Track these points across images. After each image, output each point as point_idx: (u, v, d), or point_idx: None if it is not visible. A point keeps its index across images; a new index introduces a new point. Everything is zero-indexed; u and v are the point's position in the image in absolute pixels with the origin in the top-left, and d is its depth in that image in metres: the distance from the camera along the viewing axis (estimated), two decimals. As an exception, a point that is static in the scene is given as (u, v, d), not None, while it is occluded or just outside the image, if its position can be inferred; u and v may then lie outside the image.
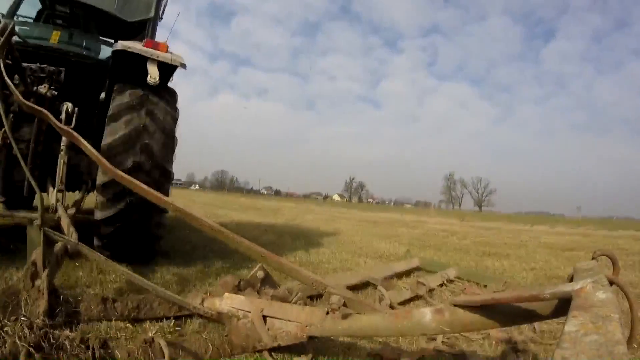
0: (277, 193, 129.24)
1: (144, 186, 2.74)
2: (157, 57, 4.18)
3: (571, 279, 1.58)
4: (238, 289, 2.82)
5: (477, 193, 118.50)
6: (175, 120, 4.48)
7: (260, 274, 2.94)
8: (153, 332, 2.49)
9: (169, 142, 4.35)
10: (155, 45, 4.26)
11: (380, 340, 2.75)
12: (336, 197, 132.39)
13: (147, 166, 4.08)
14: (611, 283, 1.37)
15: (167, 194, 3.98)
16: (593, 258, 1.77)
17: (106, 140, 3.99)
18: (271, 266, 2.64)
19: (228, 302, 2.64)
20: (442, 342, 2.76)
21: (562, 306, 1.42)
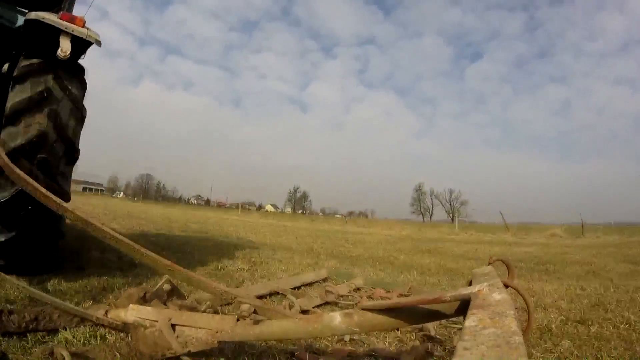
0: (207, 203, 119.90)
1: (43, 190, 2.52)
2: (72, 30, 3.92)
3: (470, 283, 1.71)
4: (144, 301, 2.68)
5: (450, 205, 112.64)
6: (82, 94, 4.26)
7: (167, 286, 2.82)
8: (54, 343, 2.30)
9: (77, 114, 4.12)
10: (72, 19, 3.98)
11: (295, 344, 2.75)
12: (269, 208, 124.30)
13: (52, 137, 3.79)
14: (506, 286, 1.50)
15: (67, 186, 3.76)
16: (489, 264, 1.93)
17: (10, 102, 3.69)
18: (178, 279, 2.55)
19: (134, 313, 2.50)
20: (351, 339, 2.83)
21: (462, 307, 1.53)
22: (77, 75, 4.25)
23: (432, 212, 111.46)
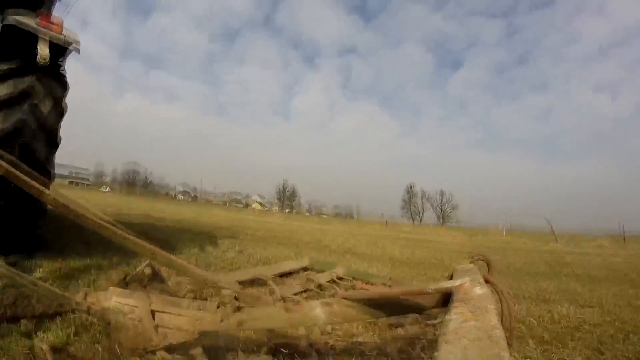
0: (194, 198, 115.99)
1: (25, 177, 2.47)
2: (49, 37, 3.99)
3: (451, 278, 1.73)
4: (124, 284, 2.65)
5: (440, 208, 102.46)
6: (63, 93, 4.36)
7: (148, 270, 2.79)
8: (35, 334, 2.27)
9: (58, 109, 4.21)
10: (50, 23, 4.04)
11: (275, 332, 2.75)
12: (256, 205, 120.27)
13: (32, 126, 3.86)
14: (487, 281, 1.52)
15: (50, 167, 3.82)
16: (471, 262, 1.95)
17: None
18: (160, 263, 2.52)
19: (114, 297, 2.46)
20: (333, 330, 2.84)
21: (444, 300, 1.55)
22: (58, 76, 4.34)
23: (422, 215, 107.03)
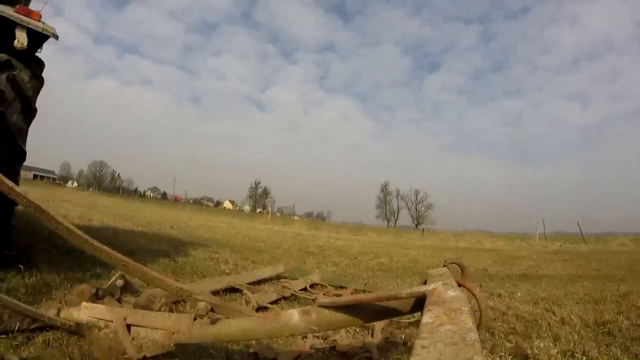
0: (164, 196, 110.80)
1: None
2: (28, 24, 3.96)
3: (424, 283, 1.77)
4: (96, 298, 2.59)
5: (415, 208, 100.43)
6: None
7: (120, 282, 2.74)
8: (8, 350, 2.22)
9: (35, 82, 4.19)
10: (28, 13, 4.01)
11: (254, 341, 2.74)
12: (227, 205, 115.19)
13: (10, 95, 3.83)
14: (460, 285, 1.56)
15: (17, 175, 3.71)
16: (444, 266, 2.00)
17: None
18: (133, 275, 2.47)
19: (87, 312, 2.42)
20: (314, 336, 2.85)
21: (418, 304, 1.58)
22: (35, 58, 4.31)
23: (397, 217, 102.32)
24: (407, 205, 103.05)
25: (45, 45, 4.48)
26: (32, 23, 4.01)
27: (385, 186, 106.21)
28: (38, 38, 4.17)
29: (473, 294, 1.54)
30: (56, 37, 4.26)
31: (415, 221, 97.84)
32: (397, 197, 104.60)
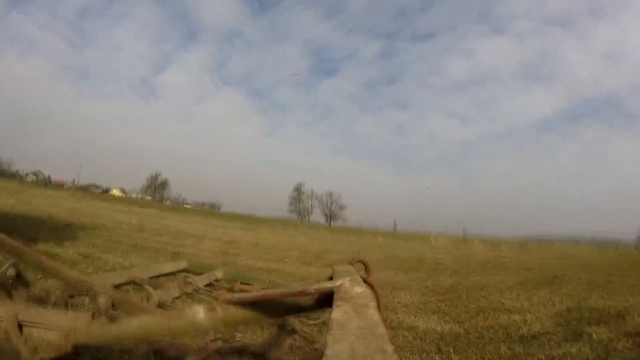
0: (49, 181, 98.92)
1: None
2: None
3: (331, 279, 1.82)
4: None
5: (329, 207, 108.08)
6: None
7: (12, 271, 2.44)
8: None
9: None
10: None
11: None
12: (116, 192, 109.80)
13: None
14: (364, 281, 1.64)
15: None
16: (349, 263, 2.08)
17: None
18: (27, 264, 2.23)
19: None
20: (218, 337, 2.79)
21: (325, 300, 1.63)
22: None
23: (310, 213, 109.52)
24: (320, 204, 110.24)
25: None
26: None
27: (299, 187, 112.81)
28: None
29: (374, 291, 1.62)
30: None
31: (329, 220, 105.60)
32: (312, 198, 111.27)
